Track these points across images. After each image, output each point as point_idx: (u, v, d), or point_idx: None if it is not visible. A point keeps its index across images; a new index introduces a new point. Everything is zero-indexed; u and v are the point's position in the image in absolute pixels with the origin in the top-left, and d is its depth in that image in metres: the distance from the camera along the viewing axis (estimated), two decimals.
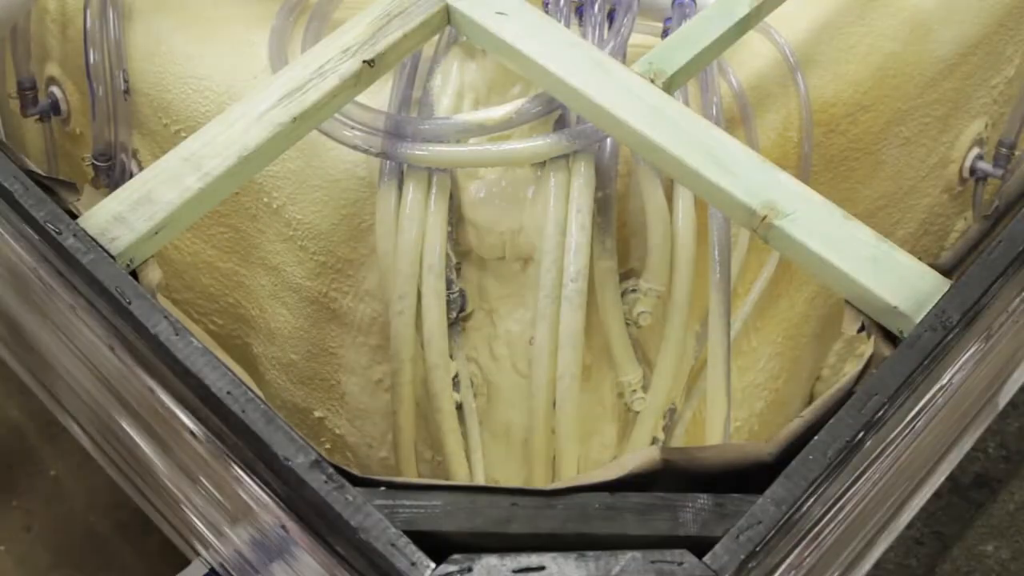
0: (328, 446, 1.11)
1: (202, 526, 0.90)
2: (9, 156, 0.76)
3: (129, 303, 0.68)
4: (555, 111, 0.91)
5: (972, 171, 1.24)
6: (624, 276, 0.98)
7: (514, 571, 0.58)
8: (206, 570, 1.05)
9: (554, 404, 0.95)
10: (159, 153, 1.01)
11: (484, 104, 0.95)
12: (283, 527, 0.65)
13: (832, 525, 0.68)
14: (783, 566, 0.64)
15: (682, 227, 0.95)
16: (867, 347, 0.71)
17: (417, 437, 1.00)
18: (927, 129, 1.16)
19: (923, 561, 1.43)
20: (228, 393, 0.64)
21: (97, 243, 0.72)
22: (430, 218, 0.93)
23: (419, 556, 0.58)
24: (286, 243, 1.03)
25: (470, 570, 0.58)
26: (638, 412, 1.02)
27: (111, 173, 1.13)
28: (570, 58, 0.85)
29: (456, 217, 0.95)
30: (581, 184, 0.91)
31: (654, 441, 1.04)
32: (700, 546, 0.59)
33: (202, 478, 0.76)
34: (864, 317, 0.73)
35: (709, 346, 0.99)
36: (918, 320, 0.69)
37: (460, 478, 1.00)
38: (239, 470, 0.67)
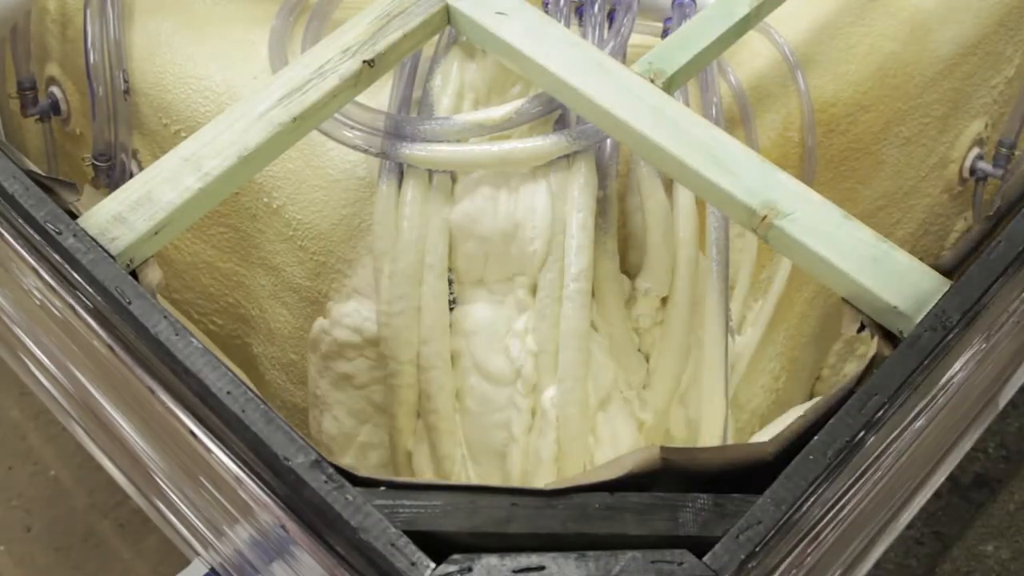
0: None
1: (202, 526, 0.90)
2: (9, 156, 0.76)
3: (129, 303, 0.68)
4: (555, 111, 0.91)
5: (972, 171, 1.24)
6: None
7: (514, 571, 0.58)
8: (206, 570, 1.05)
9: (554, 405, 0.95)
10: (159, 153, 1.01)
11: (484, 104, 0.95)
12: (283, 527, 0.65)
13: (832, 525, 0.67)
14: (783, 566, 0.64)
15: (682, 227, 0.95)
16: (869, 348, 0.70)
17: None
18: (927, 129, 1.16)
19: (923, 561, 1.43)
20: (228, 393, 0.64)
21: (97, 243, 0.72)
22: (431, 219, 0.93)
23: (419, 556, 0.58)
24: (286, 243, 1.03)
25: (470, 570, 0.58)
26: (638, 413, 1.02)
27: (111, 173, 1.13)
28: (570, 58, 0.85)
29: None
30: (582, 184, 0.91)
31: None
32: (700, 546, 0.59)
33: (202, 478, 0.76)
34: (864, 317, 0.73)
35: (706, 347, 0.99)
36: (918, 320, 0.69)
37: (456, 480, 1.00)
38: (239, 470, 0.66)
